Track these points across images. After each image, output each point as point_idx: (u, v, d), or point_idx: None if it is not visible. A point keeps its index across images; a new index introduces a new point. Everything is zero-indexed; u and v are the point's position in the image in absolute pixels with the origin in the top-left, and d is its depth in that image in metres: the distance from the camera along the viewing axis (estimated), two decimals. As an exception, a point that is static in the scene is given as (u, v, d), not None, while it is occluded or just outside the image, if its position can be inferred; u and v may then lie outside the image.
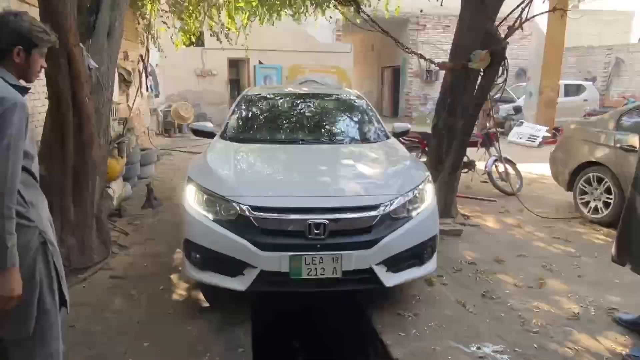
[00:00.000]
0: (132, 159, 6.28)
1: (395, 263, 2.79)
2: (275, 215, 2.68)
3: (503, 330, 2.78)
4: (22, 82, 1.76)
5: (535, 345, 2.61)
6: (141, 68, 8.70)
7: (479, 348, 2.58)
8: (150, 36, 8.49)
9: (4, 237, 1.54)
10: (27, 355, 1.84)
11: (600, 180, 4.84)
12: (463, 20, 4.54)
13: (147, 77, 9.38)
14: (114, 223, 4.63)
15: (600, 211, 4.85)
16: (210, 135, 4.08)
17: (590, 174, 4.95)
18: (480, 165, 6.53)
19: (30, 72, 1.79)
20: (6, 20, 1.68)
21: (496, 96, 5.11)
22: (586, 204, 5.03)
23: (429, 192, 3.06)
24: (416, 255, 2.88)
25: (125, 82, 7.99)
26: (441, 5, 5.99)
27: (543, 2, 6.37)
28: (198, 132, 4.14)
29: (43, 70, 2.55)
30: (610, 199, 4.67)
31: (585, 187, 5.04)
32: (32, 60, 1.75)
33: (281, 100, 4.43)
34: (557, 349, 2.59)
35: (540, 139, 10.67)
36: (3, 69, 1.69)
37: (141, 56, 8.75)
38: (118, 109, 6.58)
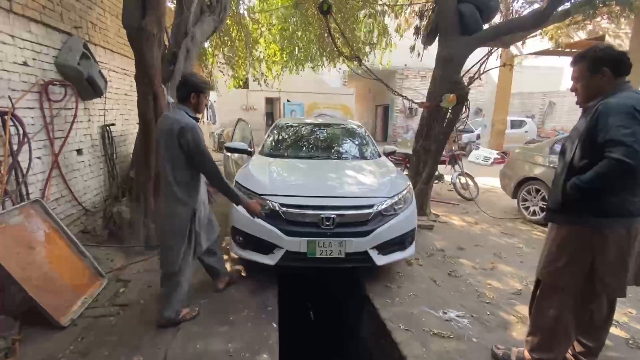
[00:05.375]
0: (196, 168, 6.34)
1: (384, 248, 2.75)
2: (297, 211, 2.67)
3: (464, 300, 2.72)
4: (196, 115, 2.17)
5: (488, 312, 2.56)
6: (204, 103, 8.85)
7: (445, 313, 2.53)
8: (210, 80, 8.64)
9: (233, 192, 2.21)
10: (172, 282, 2.23)
11: (537, 191, 4.75)
12: (437, 72, 4.51)
13: (207, 110, 9.52)
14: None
15: (537, 214, 4.74)
16: (242, 151, 3.91)
17: (530, 186, 4.85)
18: (447, 178, 6.45)
19: (200, 108, 2.18)
20: (186, 79, 2.11)
21: (460, 127, 5.04)
22: (527, 208, 4.92)
23: (410, 196, 3.03)
24: (400, 242, 2.84)
25: (192, 113, 8.11)
26: (421, 61, 5.98)
27: (496, 59, 6.33)
28: (231, 150, 3.99)
29: (136, 102, 2.83)
30: (545, 205, 4.55)
31: (526, 195, 4.93)
32: (201, 100, 2.15)
33: (302, 128, 4.43)
34: (504, 316, 2.53)
35: (492, 160, 10.48)
36: (185, 107, 2.12)
37: (204, 95, 8.90)
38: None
